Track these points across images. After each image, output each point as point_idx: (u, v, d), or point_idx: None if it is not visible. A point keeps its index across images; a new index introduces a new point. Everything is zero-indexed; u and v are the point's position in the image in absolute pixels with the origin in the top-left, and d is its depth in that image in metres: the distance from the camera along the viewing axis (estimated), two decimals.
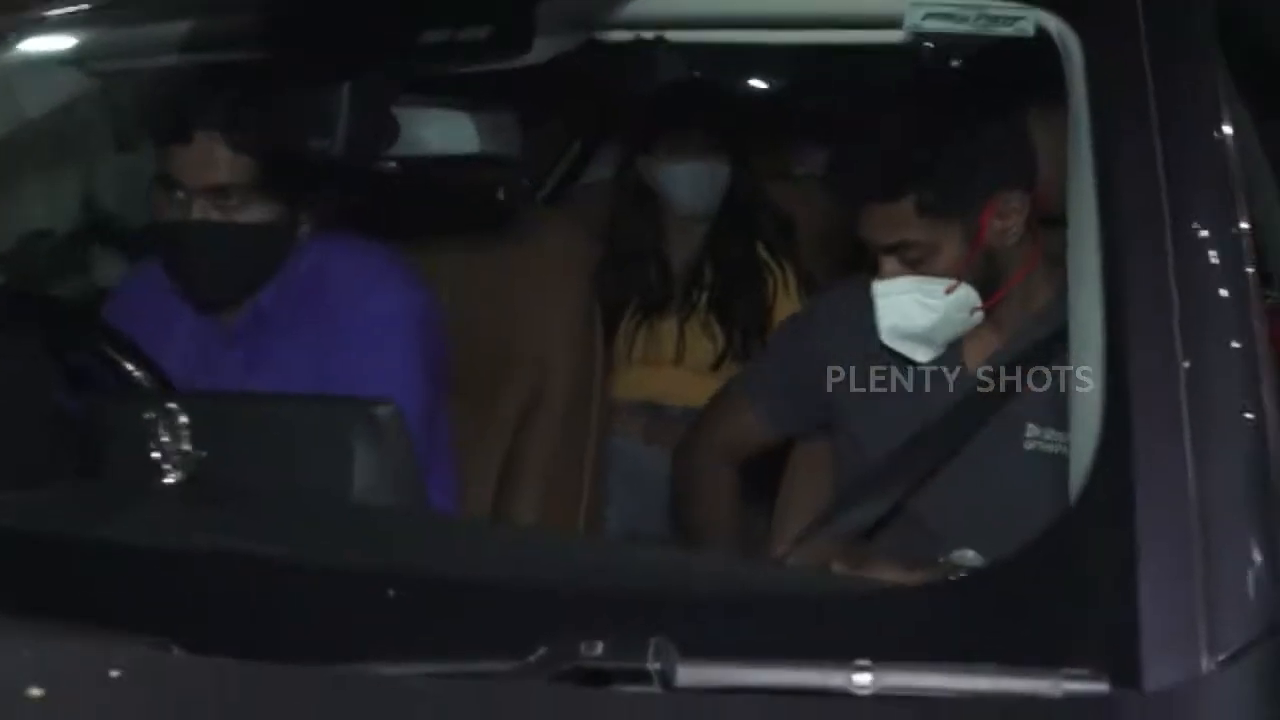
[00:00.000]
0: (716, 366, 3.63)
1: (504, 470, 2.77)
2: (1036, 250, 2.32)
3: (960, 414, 2.25)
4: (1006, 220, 2.25)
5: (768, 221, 3.71)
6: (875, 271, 2.30)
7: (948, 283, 2.24)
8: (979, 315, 2.28)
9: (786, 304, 3.59)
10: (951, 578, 1.95)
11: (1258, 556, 1.15)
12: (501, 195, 3.03)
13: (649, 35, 1.89)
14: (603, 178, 4.32)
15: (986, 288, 2.27)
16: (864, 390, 2.42)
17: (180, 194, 2.36)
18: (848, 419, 2.46)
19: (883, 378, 2.39)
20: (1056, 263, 2.28)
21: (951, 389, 2.33)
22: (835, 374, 2.45)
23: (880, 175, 2.22)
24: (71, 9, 2.27)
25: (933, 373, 2.36)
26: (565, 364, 2.83)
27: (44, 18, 2.28)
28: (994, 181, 2.24)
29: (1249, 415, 1.24)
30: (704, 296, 3.69)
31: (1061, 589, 1.16)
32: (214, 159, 2.32)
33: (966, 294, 2.25)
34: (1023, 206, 2.25)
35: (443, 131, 1.87)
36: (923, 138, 2.22)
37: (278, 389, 2.41)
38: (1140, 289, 1.33)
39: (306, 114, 1.79)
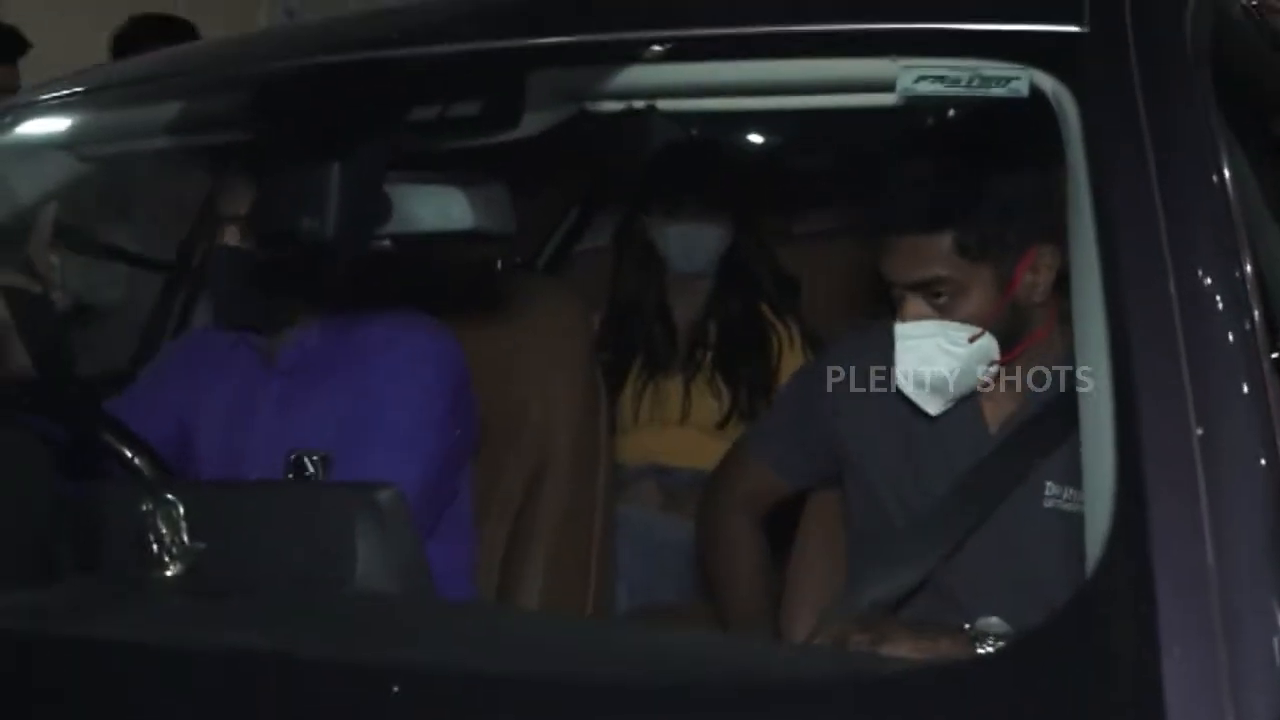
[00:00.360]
0: (723, 425, 3.61)
1: (511, 542, 2.75)
2: (1054, 310, 2.29)
3: (983, 477, 2.23)
4: (1038, 275, 2.22)
5: (770, 280, 3.70)
6: (895, 314, 2.25)
7: (972, 330, 2.19)
8: (993, 370, 2.24)
9: (792, 361, 3.58)
10: (979, 648, 1.93)
11: None
12: (499, 267, 3.06)
13: (640, 105, 1.87)
14: (600, 244, 4.32)
15: (1006, 342, 2.23)
16: (882, 437, 2.38)
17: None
18: (862, 470, 2.42)
19: (902, 422, 2.35)
20: (1068, 322, 2.26)
21: (971, 444, 2.30)
22: (850, 419, 2.43)
23: (922, 206, 2.18)
24: (62, 93, 2.26)
25: (951, 426, 2.32)
26: (570, 431, 2.80)
27: (34, 102, 2.27)
28: (1034, 232, 2.20)
29: (1266, 473, 1.21)
30: (708, 355, 3.68)
31: (1081, 667, 1.12)
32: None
33: (988, 345, 2.21)
34: (1054, 263, 2.21)
35: (436, 207, 1.84)
36: (971, 175, 2.18)
37: (309, 426, 2.47)
38: (1148, 351, 1.31)
39: (302, 194, 1.76)
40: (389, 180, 1.81)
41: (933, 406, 2.26)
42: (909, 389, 2.24)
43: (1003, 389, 2.29)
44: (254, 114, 2.00)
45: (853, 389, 2.41)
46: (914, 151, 2.23)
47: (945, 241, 2.18)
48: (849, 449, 2.44)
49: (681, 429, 3.67)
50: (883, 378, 2.33)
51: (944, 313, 2.20)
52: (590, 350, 2.91)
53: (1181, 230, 1.40)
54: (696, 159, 3.74)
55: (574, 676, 1.26)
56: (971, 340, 2.19)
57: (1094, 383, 1.34)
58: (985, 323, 2.19)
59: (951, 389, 2.24)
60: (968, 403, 2.30)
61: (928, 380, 2.22)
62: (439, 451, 2.54)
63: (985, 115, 2.00)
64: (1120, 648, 1.12)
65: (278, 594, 1.51)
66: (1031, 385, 2.29)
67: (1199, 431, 1.21)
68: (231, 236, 2.45)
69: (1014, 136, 2.22)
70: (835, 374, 2.45)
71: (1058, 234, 2.15)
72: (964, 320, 2.19)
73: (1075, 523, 2.09)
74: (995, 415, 2.32)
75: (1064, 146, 1.52)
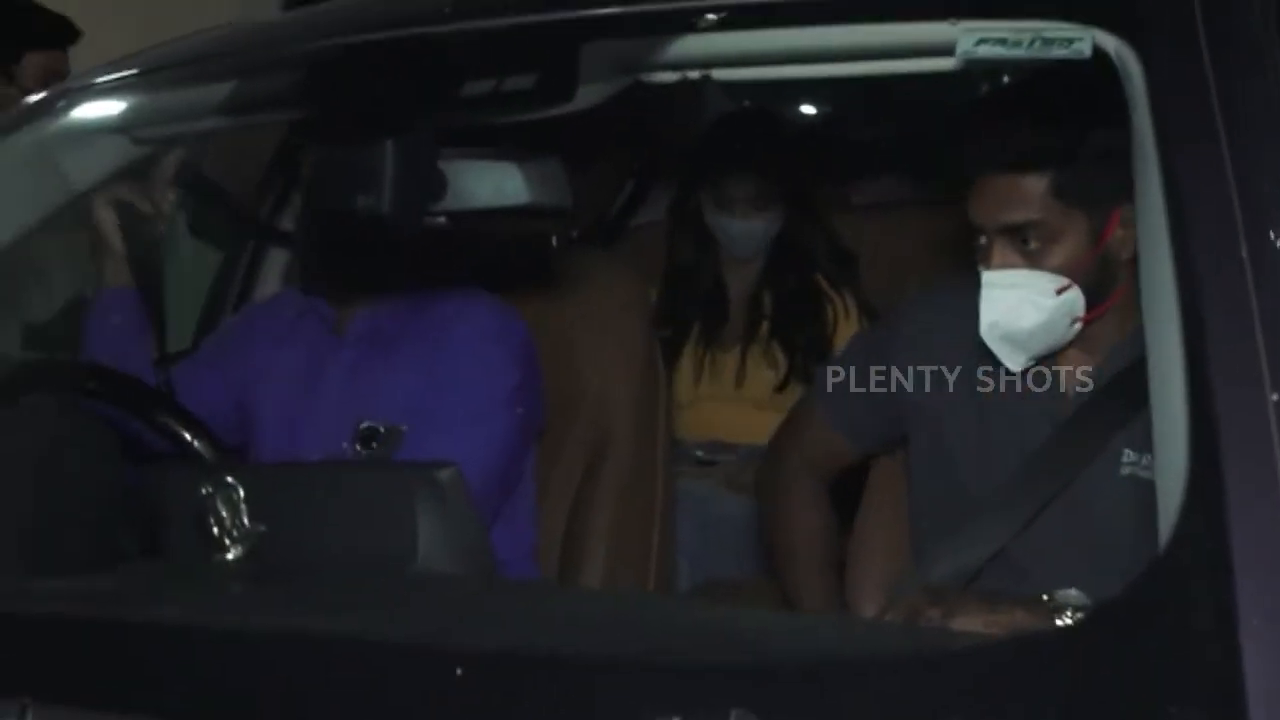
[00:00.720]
0: (781, 389, 3.62)
1: (572, 519, 2.74)
2: (1132, 271, 2.24)
3: (1059, 446, 2.20)
4: (1129, 230, 2.14)
5: (825, 255, 3.69)
6: (982, 261, 2.20)
7: (1061, 281, 2.14)
8: (1077, 328, 2.19)
9: (848, 332, 3.56)
10: (1058, 619, 1.90)
11: None
12: (554, 242, 3.05)
13: (695, 75, 1.84)
14: (655, 219, 4.31)
15: (1091, 299, 2.18)
16: (953, 400, 2.34)
17: None
18: (932, 436, 2.38)
19: (975, 386, 2.31)
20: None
21: (1046, 408, 2.26)
22: (921, 381, 2.37)
23: (1020, 144, 2.13)
24: (114, 76, 2.26)
25: (1026, 388, 2.28)
26: (629, 406, 2.78)
27: (88, 86, 2.27)
28: (1119, 184, 2.15)
29: None
30: (764, 325, 3.68)
31: (1159, 640, 1.10)
32: None
33: (1075, 299, 2.16)
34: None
35: (491, 183, 1.83)
36: (1072, 118, 2.12)
37: (376, 398, 2.51)
38: (1219, 316, 1.28)
39: (357, 171, 1.75)
40: (444, 157, 1.80)
41: (1015, 361, 2.21)
42: (993, 341, 2.18)
43: (1079, 351, 2.25)
44: (307, 92, 1.98)
45: (923, 351, 2.37)
46: (1008, 93, 2.21)
47: (1042, 183, 2.13)
48: (918, 413, 2.39)
49: (739, 399, 3.66)
50: (955, 340, 2.30)
51: (1033, 261, 2.15)
52: (648, 325, 2.89)
53: (1252, 194, 1.36)
54: (750, 132, 3.72)
55: (640, 656, 1.25)
56: (1060, 292, 2.15)
57: (1165, 349, 1.31)
58: (1075, 275, 2.15)
59: (1037, 343, 2.19)
60: (1042, 364, 2.25)
61: (1011, 333, 2.17)
62: (508, 431, 2.56)
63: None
64: (1198, 620, 1.09)
65: (339, 576, 1.50)
66: (1105, 347, 2.24)
67: (1274, 397, 1.18)
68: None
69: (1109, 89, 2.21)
70: (906, 335, 2.41)
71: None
72: (1053, 270, 2.14)
73: (1153, 490, 2.09)
74: (1071, 379, 2.27)
75: (1129, 108, 1.49)
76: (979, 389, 2.31)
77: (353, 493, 1.60)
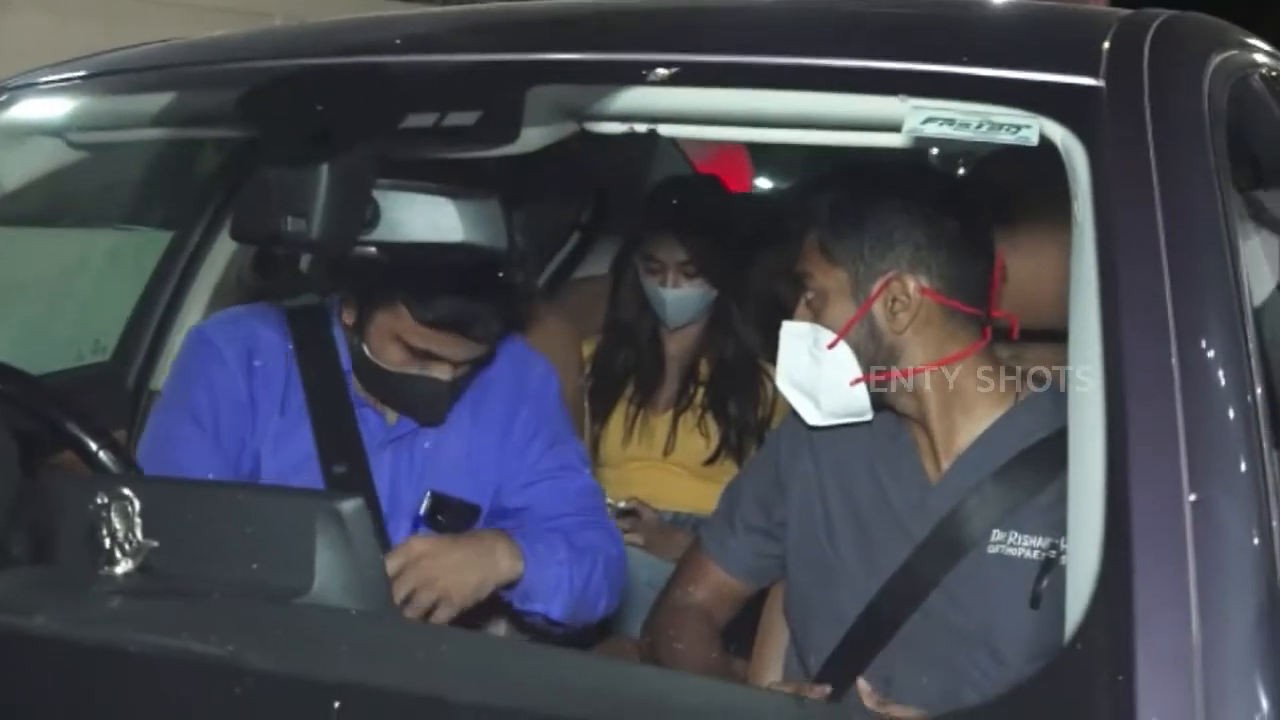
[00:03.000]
0: (710, 463, 3.58)
1: None
2: (957, 352, 2.26)
3: (935, 540, 2.23)
4: (893, 307, 2.21)
5: (758, 332, 3.66)
6: None
7: (830, 335, 2.22)
8: (860, 390, 2.23)
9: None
10: None
11: (1265, 705, 1.07)
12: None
13: (641, 128, 1.83)
14: (598, 273, 4.30)
15: (869, 364, 2.23)
16: (826, 511, 2.37)
17: None
18: (818, 540, 2.39)
19: (844, 497, 2.36)
20: (994, 376, 2.28)
21: (918, 505, 2.28)
22: (796, 498, 2.41)
23: (804, 204, 2.27)
24: (59, 77, 2.22)
25: (898, 484, 2.31)
26: None
27: (32, 84, 2.23)
28: (894, 256, 2.21)
29: (1257, 548, 1.17)
30: (699, 392, 3.64)
31: None
32: None
33: (845, 356, 2.22)
34: (912, 303, 2.21)
35: (425, 216, 1.81)
36: (850, 187, 2.25)
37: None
38: (1144, 415, 1.27)
39: (287, 193, 1.72)
40: (379, 186, 1.78)
41: (810, 413, 2.29)
42: (786, 389, 2.29)
43: (935, 440, 2.28)
44: (248, 111, 1.96)
45: (798, 471, 2.42)
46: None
47: (813, 236, 2.24)
48: (797, 525, 2.42)
49: (666, 465, 3.63)
50: (826, 454, 2.37)
51: (814, 314, 2.25)
52: (577, 378, 2.87)
53: (1187, 299, 1.37)
54: (685, 198, 3.71)
55: (514, 704, 1.22)
56: (830, 346, 2.22)
57: (1087, 440, 1.30)
58: (843, 332, 2.22)
59: (826, 399, 2.26)
60: (905, 459, 2.30)
61: (799, 380, 2.28)
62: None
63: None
64: (1096, 715, 1.07)
65: (228, 599, 1.46)
66: (959, 441, 2.28)
67: (1191, 498, 1.16)
68: None
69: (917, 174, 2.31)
70: (780, 460, 2.46)
71: (922, 272, 2.21)
72: (828, 326, 2.23)
73: (1021, 568, 2.13)
74: (934, 463, 2.30)
75: (1071, 200, 1.49)
76: (851, 494, 2.35)
77: (253, 516, 1.55)
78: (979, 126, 1.58)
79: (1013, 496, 2.20)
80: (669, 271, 3.56)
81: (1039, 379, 2.27)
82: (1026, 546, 2.17)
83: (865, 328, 2.22)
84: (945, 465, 2.28)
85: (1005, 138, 1.56)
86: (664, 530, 3.52)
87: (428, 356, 2.39)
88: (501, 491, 2.55)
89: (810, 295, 2.25)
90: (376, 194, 1.77)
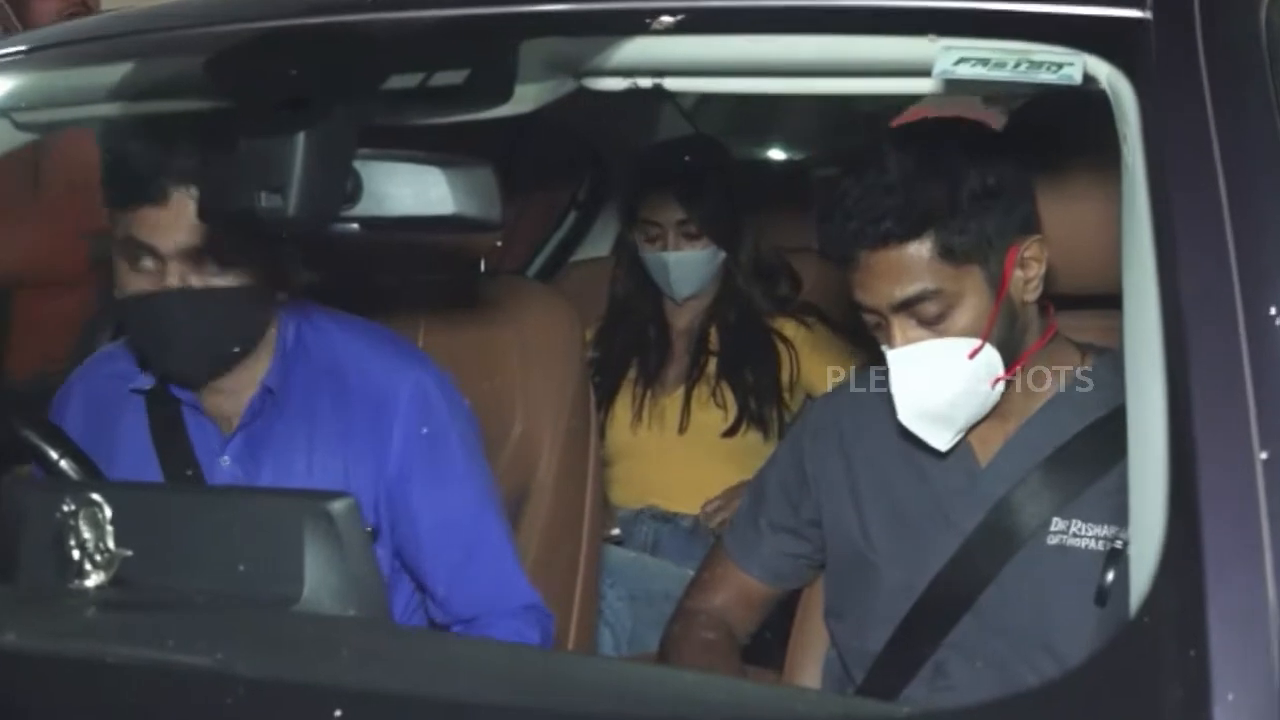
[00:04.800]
0: (731, 434, 3.61)
1: None
2: (1049, 324, 2.29)
3: (986, 530, 2.23)
4: (1028, 270, 2.21)
5: (765, 297, 3.70)
6: (884, 341, 2.22)
7: (971, 343, 2.17)
8: (998, 390, 2.22)
9: (816, 360, 3.59)
10: None
11: None
12: (484, 266, 3.04)
13: (645, 83, 1.84)
14: (602, 255, 4.32)
15: (1007, 354, 2.21)
16: (869, 504, 2.38)
17: (151, 261, 2.32)
18: (851, 539, 2.40)
19: (882, 490, 2.36)
20: (1062, 344, 2.29)
21: (964, 488, 2.29)
22: (830, 498, 2.42)
23: (893, 214, 2.15)
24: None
25: (941, 469, 2.31)
26: (556, 450, 2.80)
27: None
28: (1013, 223, 2.20)
29: None
30: (711, 362, 3.68)
31: (1127, 711, 1.09)
32: (192, 219, 2.26)
33: (989, 359, 2.19)
34: (1041, 253, 2.21)
35: (412, 189, 1.81)
36: (938, 170, 2.17)
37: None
38: (1209, 374, 1.28)
39: (259, 167, 1.73)
40: (360, 157, 1.79)
41: (941, 439, 2.24)
42: (912, 422, 2.22)
43: (991, 417, 2.27)
44: (213, 80, 1.97)
45: (830, 461, 2.42)
46: (875, 156, 2.21)
47: (925, 249, 2.16)
48: (835, 527, 2.44)
49: (683, 446, 3.65)
50: (862, 436, 2.38)
51: (937, 330, 2.18)
52: (582, 363, 2.90)
53: (1252, 246, 1.37)
54: (684, 157, 3.75)
55: (529, 706, 1.23)
56: (973, 355, 2.18)
57: (1146, 401, 1.31)
58: (984, 333, 2.18)
59: (961, 414, 2.22)
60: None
61: (932, 408, 2.21)
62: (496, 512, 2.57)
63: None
64: (1168, 691, 1.09)
65: (211, 610, 1.47)
66: (1021, 410, 2.28)
67: (1263, 456, 1.18)
68: (177, 276, 2.33)
69: (980, 129, 2.27)
70: (810, 449, 2.46)
71: (1036, 224, 2.20)
72: (961, 334, 2.17)
73: (1085, 559, 2.13)
74: (985, 447, 2.30)
75: (1119, 141, 1.50)
76: (891, 486, 2.36)
77: (235, 520, 1.57)
78: (1016, 66, 1.58)
79: (1074, 480, 2.20)
80: (668, 235, 3.61)
81: (1098, 350, 2.29)
82: (1090, 536, 2.17)
83: (1004, 316, 2.20)
84: (996, 447, 2.28)
85: (1045, 77, 1.56)
86: (678, 537, 3.55)
87: (137, 249, 2.34)
88: (396, 521, 2.50)
89: (933, 313, 2.17)
90: (358, 165, 1.78)
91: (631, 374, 3.74)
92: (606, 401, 3.68)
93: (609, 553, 3.32)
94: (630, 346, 3.76)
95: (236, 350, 2.42)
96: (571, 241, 4.48)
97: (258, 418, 2.46)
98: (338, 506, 1.55)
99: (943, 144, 2.21)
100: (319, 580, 1.52)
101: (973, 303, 2.17)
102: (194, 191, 2.24)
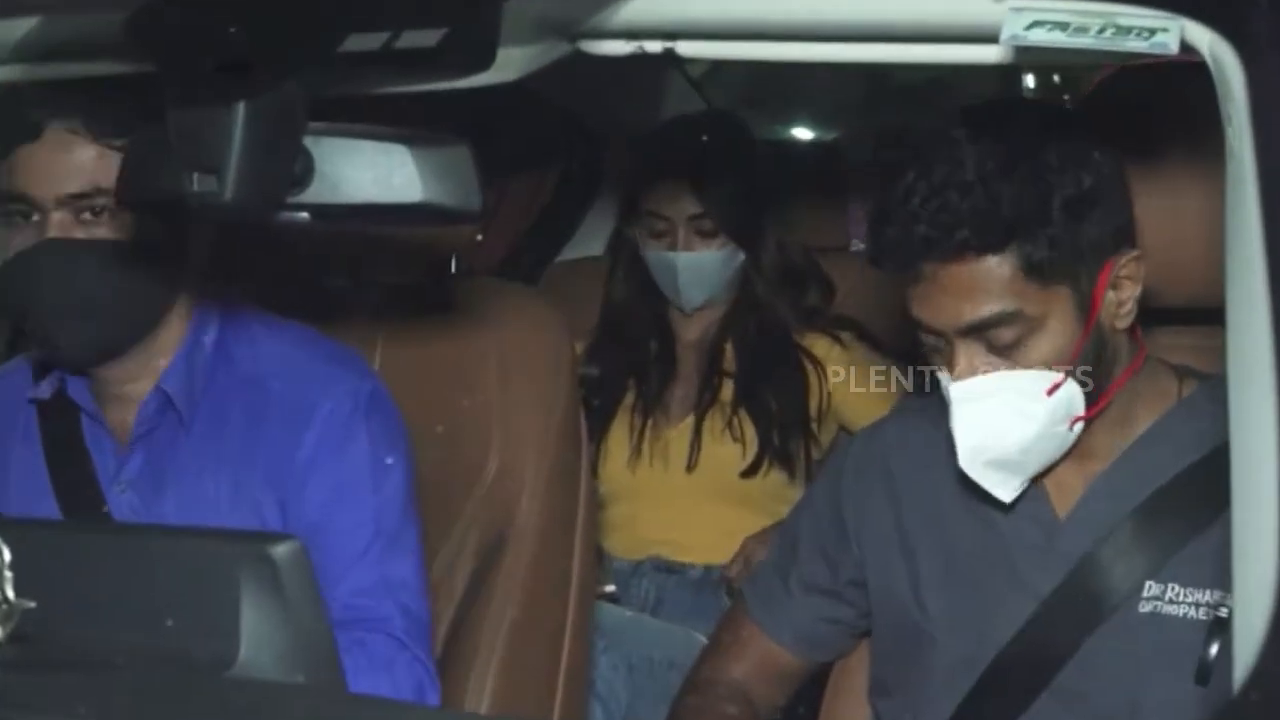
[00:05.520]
0: (750, 474, 3.60)
1: (452, 640, 2.75)
2: (1141, 344, 2.28)
3: (1065, 596, 2.24)
4: (1122, 292, 2.21)
5: (793, 307, 3.68)
6: (945, 368, 2.23)
7: (1050, 377, 2.17)
8: (1078, 429, 2.21)
9: (848, 361, 3.58)
10: None
11: None
12: (456, 266, 3.04)
13: (655, 46, 1.84)
14: (595, 254, 4.33)
15: (1088, 389, 2.21)
16: (923, 559, 2.38)
17: (29, 214, 2.35)
18: (901, 604, 2.41)
19: (938, 545, 2.36)
20: (1156, 370, 2.27)
21: (1038, 545, 2.29)
22: (878, 551, 2.43)
23: (972, 221, 2.13)
24: None
25: (1011, 520, 2.31)
26: (539, 491, 2.81)
27: None
28: (1110, 236, 2.19)
29: None
30: (727, 386, 3.66)
31: None
32: (73, 158, 2.29)
33: (1070, 396, 2.19)
34: (1138, 271, 2.21)
35: (374, 171, 1.82)
36: (1028, 173, 2.15)
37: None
38: None
39: (190, 143, 1.74)
40: (311, 133, 1.79)
41: (1007, 489, 2.24)
42: (976, 470, 2.22)
43: (1071, 460, 2.28)
44: (134, 39, 1.97)
45: (874, 509, 2.43)
46: (946, 147, 2.19)
47: (1009, 263, 2.14)
48: (881, 587, 2.44)
49: (691, 489, 3.63)
50: (914, 478, 2.39)
51: (1012, 359, 2.17)
52: (572, 385, 2.90)
53: None
54: (698, 139, 3.73)
55: None
56: (1051, 391, 2.16)
57: (1254, 441, 1.31)
58: (1067, 365, 2.17)
59: (1033, 461, 2.22)
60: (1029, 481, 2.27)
61: (1001, 454, 2.20)
62: (419, 549, 2.57)
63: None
64: None
65: (127, 674, 1.48)
66: (1107, 452, 2.28)
67: None
68: (58, 227, 2.36)
69: (1070, 121, 2.27)
70: (851, 493, 2.47)
71: (1133, 236, 2.19)
72: (1039, 365, 2.17)
73: (1183, 629, 2.13)
74: (1063, 496, 2.31)
75: (1224, 121, 1.50)
76: (951, 539, 2.36)
77: (160, 566, 1.57)
78: (1101, 32, 1.58)
79: (1171, 535, 2.19)
80: (678, 231, 3.59)
81: (1199, 375, 2.28)
82: (1190, 602, 2.18)
83: (1092, 344, 2.19)
84: (1077, 494, 2.29)
85: (1135, 45, 1.57)
86: (684, 591, 3.54)
87: (12, 203, 2.36)
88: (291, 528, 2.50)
89: (1008, 340, 2.17)
90: (308, 143, 1.79)
91: (629, 399, 3.72)
92: (599, 433, 3.66)
93: (602, 612, 3.32)
94: (628, 365, 3.74)
95: (129, 323, 2.44)
96: (558, 237, 4.47)
97: (157, 430, 2.49)
98: (281, 551, 1.54)
99: (1029, 136, 2.19)
100: (259, 639, 1.52)
101: (1056, 328, 2.17)
102: (77, 127, 2.25)
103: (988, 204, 2.12)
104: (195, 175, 1.73)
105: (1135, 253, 2.20)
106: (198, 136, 1.73)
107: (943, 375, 2.22)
